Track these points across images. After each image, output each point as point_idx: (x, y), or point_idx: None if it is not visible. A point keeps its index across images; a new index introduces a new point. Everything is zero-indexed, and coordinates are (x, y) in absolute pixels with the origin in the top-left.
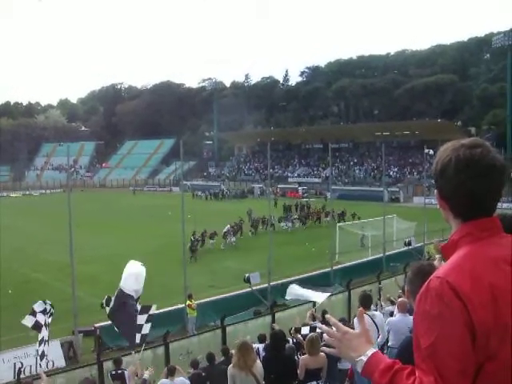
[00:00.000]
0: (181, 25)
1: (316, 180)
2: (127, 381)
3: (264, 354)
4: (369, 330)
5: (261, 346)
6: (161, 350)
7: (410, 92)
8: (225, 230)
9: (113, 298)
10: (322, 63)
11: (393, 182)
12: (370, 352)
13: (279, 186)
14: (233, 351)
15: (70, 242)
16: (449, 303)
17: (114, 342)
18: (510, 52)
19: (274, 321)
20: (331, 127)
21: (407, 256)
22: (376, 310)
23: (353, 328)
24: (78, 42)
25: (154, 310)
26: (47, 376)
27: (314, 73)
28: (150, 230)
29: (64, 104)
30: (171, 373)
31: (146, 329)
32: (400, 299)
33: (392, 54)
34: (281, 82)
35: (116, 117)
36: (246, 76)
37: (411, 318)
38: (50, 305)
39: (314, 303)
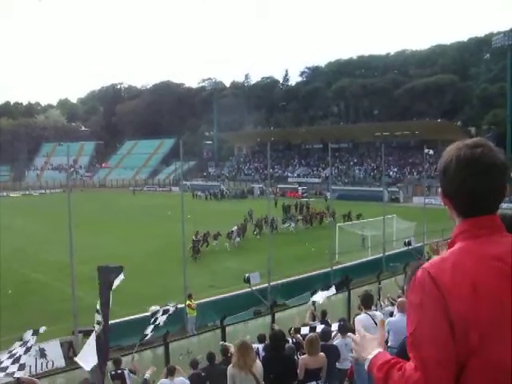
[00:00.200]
0: (180, 25)
1: (316, 180)
2: (127, 380)
3: (264, 354)
4: (384, 336)
5: (260, 346)
6: (160, 350)
7: (410, 92)
8: (233, 230)
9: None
10: (322, 63)
11: (393, 182)
12: (376, 352)
13: (279, 186)
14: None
15: (70, 242)
16: (429, 293)
17: (113, 342)
18: (509, 52)
19: (273, 321)
20: (331, 127)
21: (407, 256)
22: (376, 310)
23: (353, 328)
24: (77, 42)
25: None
26: (46, 376)
27: (313, 73)
28: (149, 230)
29: (64, 104)
30: (171, 373)
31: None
32: (400, 299)
33: (392, 54)
34: (281, 82)
35: (116, 117)
36: (246, 76)
37: None
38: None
39: (314, 303)
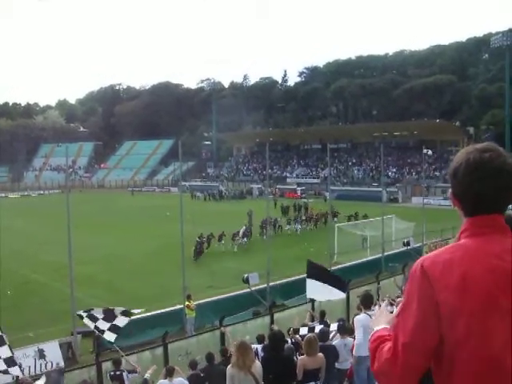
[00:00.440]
0: (179, 25)
1: (315, 180)
2: (125, 382)
3: (263, 354)
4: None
5: (259, 347)
6: (160, 351)
7: (409, 92)
8: (240, 230)
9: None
10: (321, 63)
11: (391, 182)
12: (381, 327)
13: (278, 186)
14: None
15: (69, 243)
16: (417, 283)
17: (112, 342)
18: (508, 52)
19: (272, 321)
20: (330, 127)
21: (406, 256)
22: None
23: (353, 328)
24: (76, 43)
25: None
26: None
27: (312, 73)
28: (148, 231)
29: (62, 105)
30: (170, 373)
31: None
32: (399, 299)
33: (391, 54)
34: (279, 82)
35: (114, 117)
36: (245, 76)
37: None
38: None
39: (313, 304)
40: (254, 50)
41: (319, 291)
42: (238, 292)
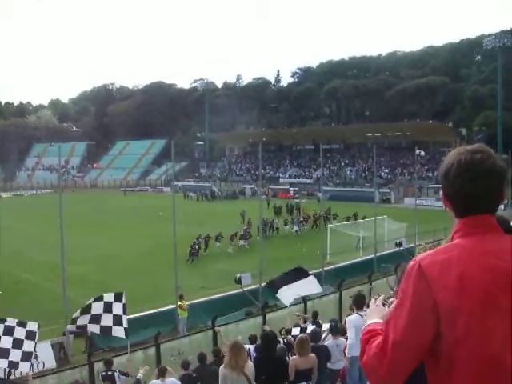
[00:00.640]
0: (173, 26)
1: (307, 181)
2: (117, 382)
3: (255, 354)
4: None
5: (252, 347)
6: (152, 351)
7: (402, 93)
8: (243, 230)
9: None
10: (314, 64)
11: (384, 182)
12: (374, 321)
13: (270, 186)
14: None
15: (61, 243)
16: (415, 283)
17: (104, 342)
18: (500, 54)
19: (265, 321)
20: (323, 128)
21: (398, 257)
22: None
23: (345, 328)
24: (69, 42)
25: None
26: (38, 377)
27: (305, 74)
28: (141, 231)
29: (55, 104)
30: (162, 373)
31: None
32: (391, 299)
33: (384, 55)
34: (272, 82)
35: (107, 117)
36: (238, 77)
37: None
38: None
39: (306, 304)
40: (248, 51)
41: (290, 294)
42: (230, 292)
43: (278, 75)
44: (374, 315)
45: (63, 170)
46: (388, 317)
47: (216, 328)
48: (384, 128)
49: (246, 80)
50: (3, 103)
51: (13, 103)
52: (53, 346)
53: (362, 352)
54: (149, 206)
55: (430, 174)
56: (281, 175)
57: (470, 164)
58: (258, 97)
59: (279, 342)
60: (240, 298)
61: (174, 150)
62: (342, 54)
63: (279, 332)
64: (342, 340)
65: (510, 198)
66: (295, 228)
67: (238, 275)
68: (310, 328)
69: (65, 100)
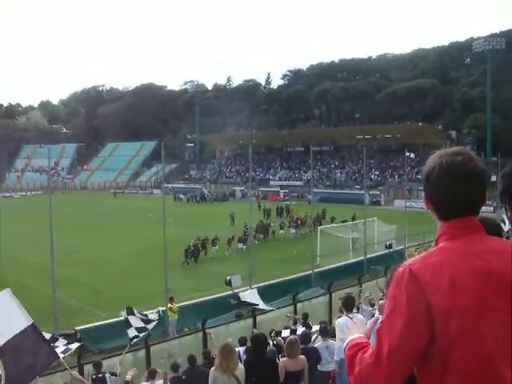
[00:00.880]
0: (163, 28)
1: (297, 183)
2: (108, 383)
3: (245, 356)
4: (371, 329)
5: (242, 349)
6: (142, 353)
7: (392, 96)
8: (243, 233)
9: None
10: (304, 66)
11: (374, 185)
12: (356, 336)
13: (261, 188)
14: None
15: (51, 245)
16: (407, 288)
17: (94, 345)
18: (489, 57)
19: (255, 323)
20: (313, 130)
21: (388, 259)
22: (358, 312)
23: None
24: (59, 44)
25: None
26: None
27: (295, 76)
28: (131, 233)
29: (45, 105)
30: (152, 376)
31: None
32: (381, 301)
33: (374, 57)
34: (263, 84)
35: (97, 119)
36: (228, 79)
37: None
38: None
39: (295, 306)
40: (238, 53)
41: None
42: (220, 294)
43: (269, 77)
44: (355, 331)
45: (53, 171)
46: (379, 325)
47: (207, 331)
48: (374, 130)
49: (237, 82)
50: None
51: (2, 104)
52: None
53: (350, 365)
54: (139, 207)
55: (419, 177)
56: (271, 177)
57: (452, 167)
58: (248, 99)
59: (269, 343)
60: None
61: (165, 151)
62: (333, 56)
63: (269, 334)
64: (331, 342)
65: (498, 200)
66: (292, 231)
67: (228, 277)
68: (300, 330)
69: (55, 101)
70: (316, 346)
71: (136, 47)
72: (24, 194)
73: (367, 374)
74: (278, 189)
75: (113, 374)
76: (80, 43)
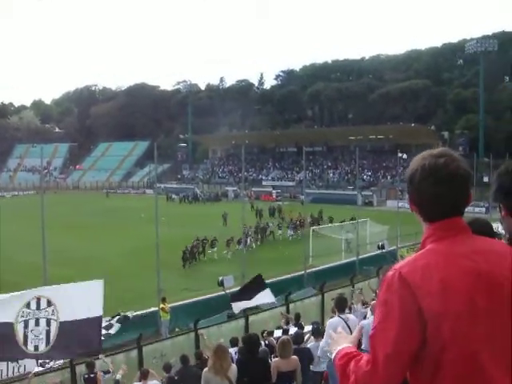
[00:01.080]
0: (156, 28)
1: (290, 183)
2: (102, 382)
3: (237, 357)
4: (358, 337)
5: (233, 350)
6: (134, 354)
7: (385, 96)
8: (247, 233)
9: None
10: (297, 67)
11: (366, 185)
12: (344, 345)
13: (253, 189)
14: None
15: (43, 244)
16: (397, 292)
17: None
18: (482, 58)
19: (247, 324)
20: (305, 131)
21: (380, 259)
22: (350, 313)
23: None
24: (52, 43)
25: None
26: (18, 380)
27: (288, 76)
28: (123, 233)
29: (38, 105)
30: (144, 376)
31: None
32: (373, 302)
33: (367, 58)
34: (256, 85)
35: (90, 119)
36: (221, 79)
37: None
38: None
39: (288, 306)
40: (231, 53)
41: (242, 305)
42: (212, 295)
43: (262, 78)
44: (341, 341)
45: (45, 171)
46: (372, 332)
47: (199, 332)
48: (367, 131)
49: (230, 82)
50: None
51: None
52: None
53: (343, 375)
54: (131, 207)
55: None
56: (263, 178)
57: (434, 168)
58: (241, 99)
59: (261, 344)
60: (222, 301)
61: (157, 151)
62: (326, 57)
63: (261, 334)
64: (324, 342)
65: (491, 199)
66: (290, 232)
67: (221, 278)
68: (293, 330)
69: (47, 101)
70: (308, 346)
71: (129, 47)
72: (16, 193)
73: (364, 381)
74: (271, 189)
75: (106, 372)
76: (73, 43)
